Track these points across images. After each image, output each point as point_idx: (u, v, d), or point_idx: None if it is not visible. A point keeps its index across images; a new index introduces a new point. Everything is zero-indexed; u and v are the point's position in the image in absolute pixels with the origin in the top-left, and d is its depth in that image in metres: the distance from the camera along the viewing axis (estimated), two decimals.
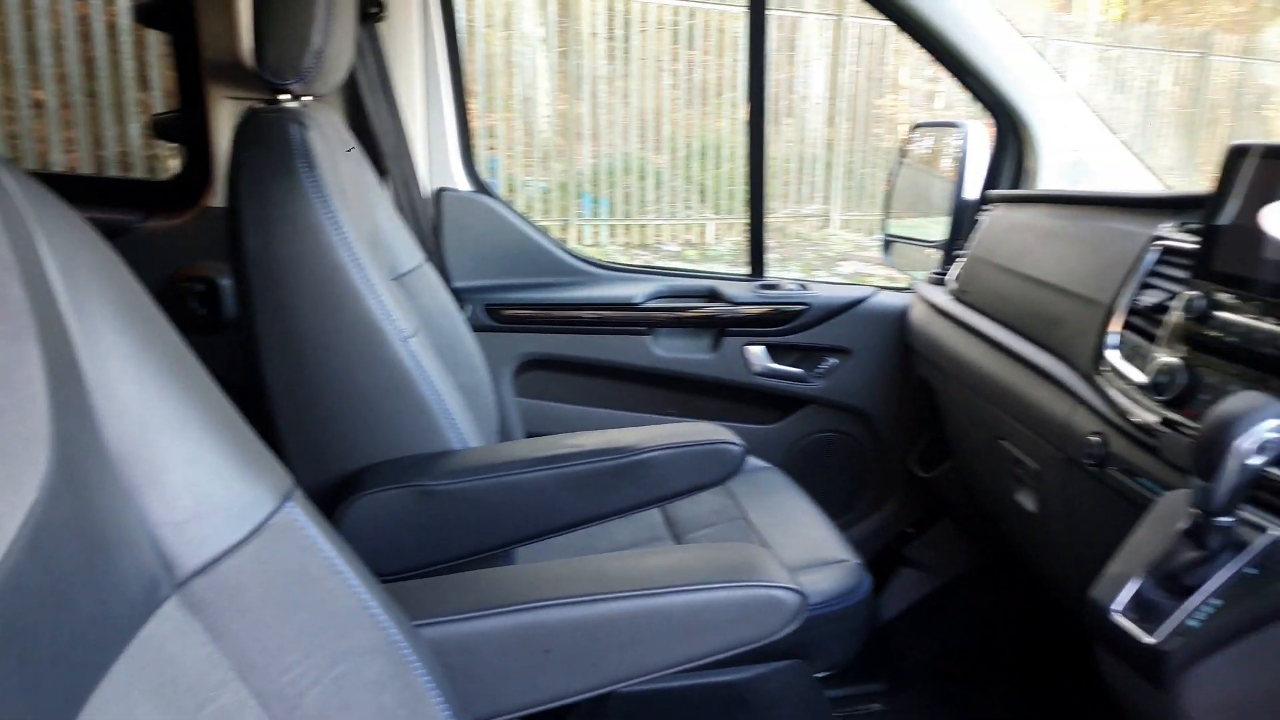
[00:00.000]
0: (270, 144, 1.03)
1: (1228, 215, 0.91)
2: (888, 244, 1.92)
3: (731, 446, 1.10)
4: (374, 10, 1.60)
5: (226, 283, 1.59)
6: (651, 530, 1.38)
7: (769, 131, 6.53)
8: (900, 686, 1.70)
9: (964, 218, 1.67)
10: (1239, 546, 0.77)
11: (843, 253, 6.65)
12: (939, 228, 1.74)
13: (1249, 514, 0.79)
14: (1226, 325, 0.89)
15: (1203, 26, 10.10)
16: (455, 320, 1.37)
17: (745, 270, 1.94)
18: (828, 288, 1.83)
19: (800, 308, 1.77)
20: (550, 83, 6.20)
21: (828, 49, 6.83)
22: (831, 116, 6.91)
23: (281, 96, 1.08)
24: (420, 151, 1.76)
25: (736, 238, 6.48)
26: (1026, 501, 1.29)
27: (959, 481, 1.68)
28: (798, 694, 1.14)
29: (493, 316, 1.78)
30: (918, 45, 1.64)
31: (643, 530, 1.38)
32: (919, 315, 1.69)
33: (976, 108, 1.71)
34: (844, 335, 1.78)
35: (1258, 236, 0.86)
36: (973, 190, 1.68)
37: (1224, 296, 0.91)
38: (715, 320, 1.80)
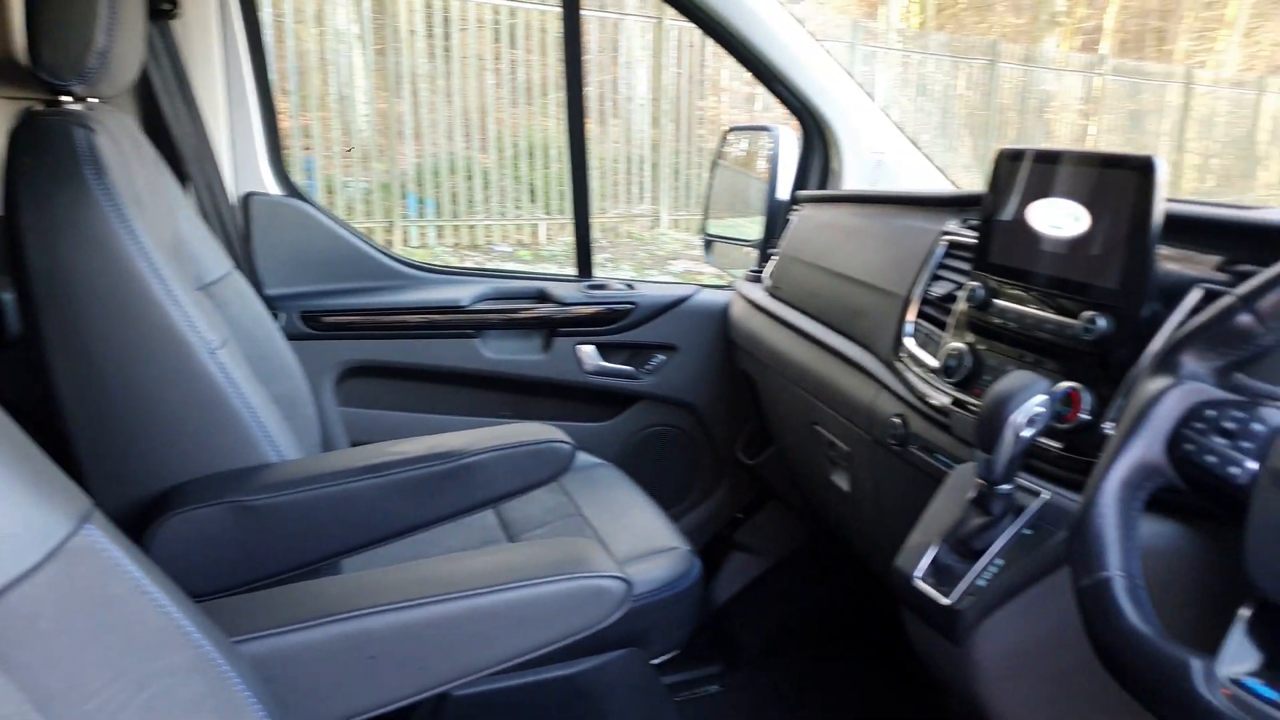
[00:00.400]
0: (51, 149, 0.95)
1: (999, 212, 1.00)
2: (708, 244, 1.99)
3: (561, 445, 1.11)
4: (166, 7, 1.50)
5: (8, 297, 1.46)
6: (485, 533, 1.38)
7: (595, 132, 6.65)
8: (736, 666, 1.77)
9: (777, 217, 1.76)
10: (1018, 510, 0.86)
11: (673, 251, 6.80)
12: (755, 227, 1.82)
13: (1025, 481, 0.88)
14: (1004, 312, 0.99)
15: (990, 36, 11.00)
16: (269, 329, 1.32)
17: (575, 271, 1.96)
18: (653, 287, 1.87)
19: (628, 306, 1.81)
20: (368, 81, 6.00)
21: (650, 51, 6.97)
22: (656, 118, 7.05)
23: (63, 98, 1.00)
24: (225, 155, 1.68)
25: (569, 237, 6.50)
26: (841, 482, 1.37)
27: (781, 466, 1.77)
28: (635, 681, 1.17)
29: (310, 324, 1.72)
30: (727, 51, 1.71)
31: (476, 533, 1.37)
32: (738, 311, 1.76)
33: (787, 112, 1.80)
34: (670, 332, 1.83)
35: (1025, 231, 0.96)
36: (784, 191, 1.76)
37: (1001, 286, 1.00)
38: (545, 321, 1.81)
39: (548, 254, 6.44)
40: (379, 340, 1.75)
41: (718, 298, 1.86)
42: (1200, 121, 11.34)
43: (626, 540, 1.31)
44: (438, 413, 1.81)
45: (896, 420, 1.13)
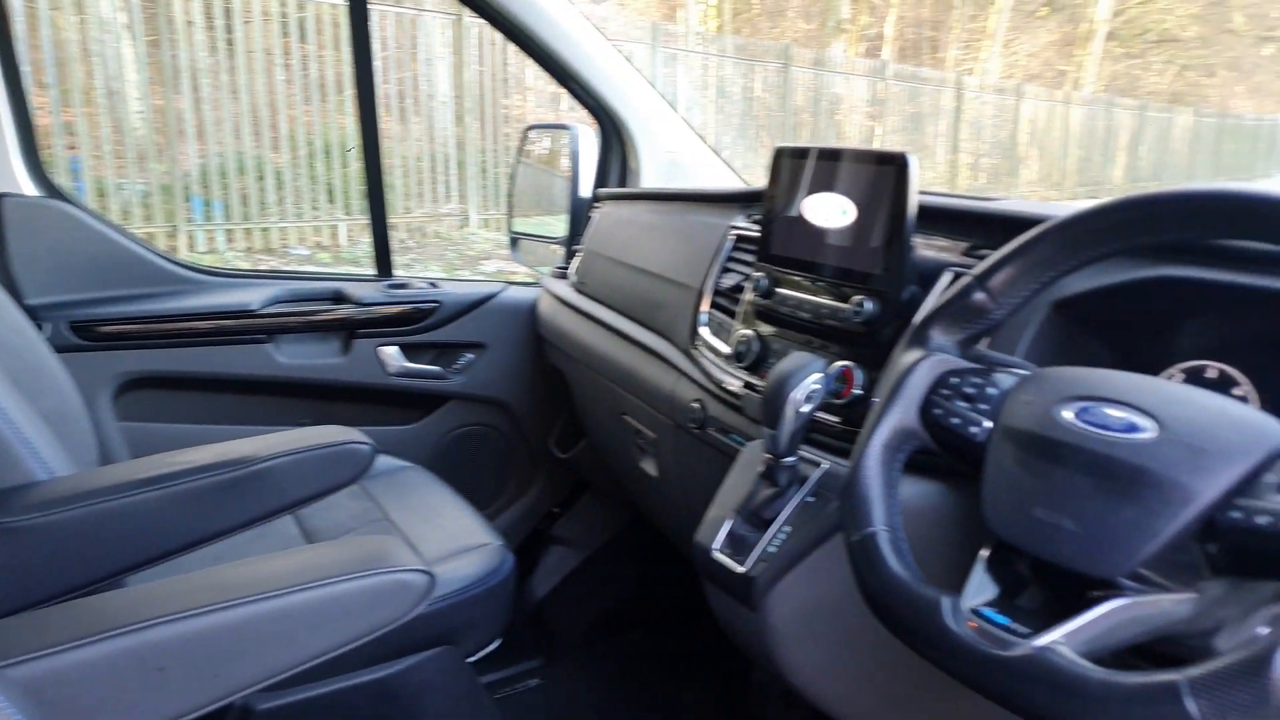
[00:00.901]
0: None
1: (778, 207, 1.07)
2: (514, 241, 1.99)
3: (359, 446, 1.09)
4: None
5: None
6: (285, 543, 1.33)
7: (397, 131, 6.47)
8: (556, 659, 1.79)
9: (580, 214, 1.79)
10: (802, 480, 0.93)
11: (484, 251, 6.72)
12: (560, 225, 1.85)
13: (809, 453, 0.95)
14: (785, 300, 1.06)
15: (783, 40, 11.58)
16: (31, 341, 1.21)
17: (373, 271, 1.91)
18: (458, 285, 1.86)
19: (432, 305, 1.78)
20: (140, 75, 5.55)
21: (450, 48, 6.86)
22: (460, 115, 6.94)
23: None
24: None
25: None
26: (649, 468, 1.42)
27: (594, 458, 1.80)
28: (449, 679, 1.16)
29: (81, 334, 1.58)
30: (521, 50, 1.72)
31: (276, 544, 1.32)
32: (546, 307, 1.78)
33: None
34: (478, 330, 1.82)
35: (801, 224, 1.03)
36: (586, 189, 1.80)
37: (783, 275, 1.07)
38: (345, 323, 1.75)
39: (349, 256, 6.20)
40: (162, 349, 1.63)
41: (525, 294, 1.87)
42: (971, 124, 12.46)
43: (436, 540, 1.30)
44: (230, 423, 1.71)
45: (695, 405, 1.19)
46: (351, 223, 6.34)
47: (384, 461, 1.53)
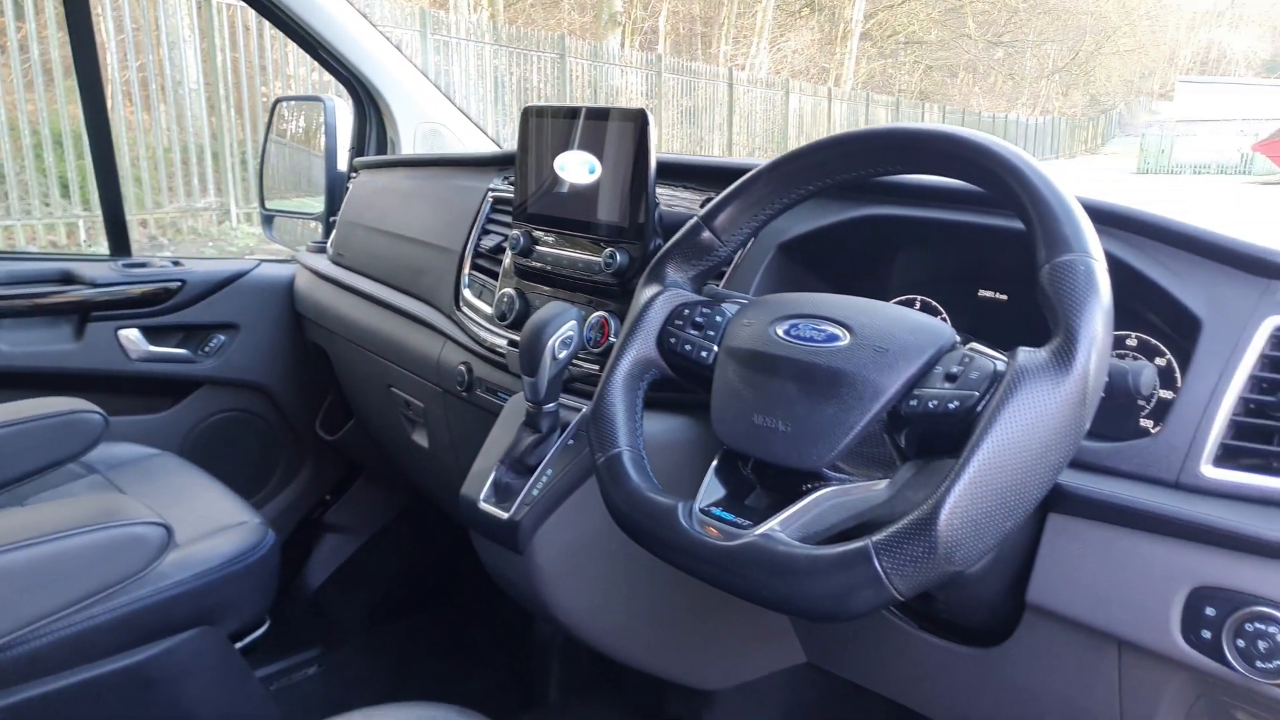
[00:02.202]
0: None
1: (530, 167, 1.09)
2: (268, 220, 1.90)
3: (88, 415, 1.00)
4: None
5: None
6: (10, 536, 1.20)
7: (141, 120, 5.94)
8: (335, 646, 1.73)
9: (337, 188, 1.73)
10: (564, 426, 0.96)
11: (247, 247, 6.32)
12: (317, 199, 1.78)
13: (571, 401, 0.98)
14: (543, 257, 1.08)
15: (558, 31, 11.64)
16: None
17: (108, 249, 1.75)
18: (206, 263, 1.74)
19: (176, 284, 1.66)
20: None
21: (199, 32, 6.37)
22: (214, 104, 6.47)
23: None
24: None
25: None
26: (421, 439, 1.40)
27: (364, 437, 1.75)
28: (210, 661, 1.10)
29: None
30: (266, 19, 1.64)
31: None
32: (304, 283, 1.71)
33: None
34: (230, 310, 1.71)
35: (553, 182, 1.06)
36: (343, 161, 1.74)
37: (539, 234, 1.09)
38: (77, 306, 1.59)
39: (91, 255, 5.63)
40: None
41: (281, 271, 1.78)
42: (744, 117, 13.07)
43: (190, 522, 1.21)
44: None
45: (462, 368, 1.19)
46: (92, 218, 5.75)
47: (129, 449, 1.41)
